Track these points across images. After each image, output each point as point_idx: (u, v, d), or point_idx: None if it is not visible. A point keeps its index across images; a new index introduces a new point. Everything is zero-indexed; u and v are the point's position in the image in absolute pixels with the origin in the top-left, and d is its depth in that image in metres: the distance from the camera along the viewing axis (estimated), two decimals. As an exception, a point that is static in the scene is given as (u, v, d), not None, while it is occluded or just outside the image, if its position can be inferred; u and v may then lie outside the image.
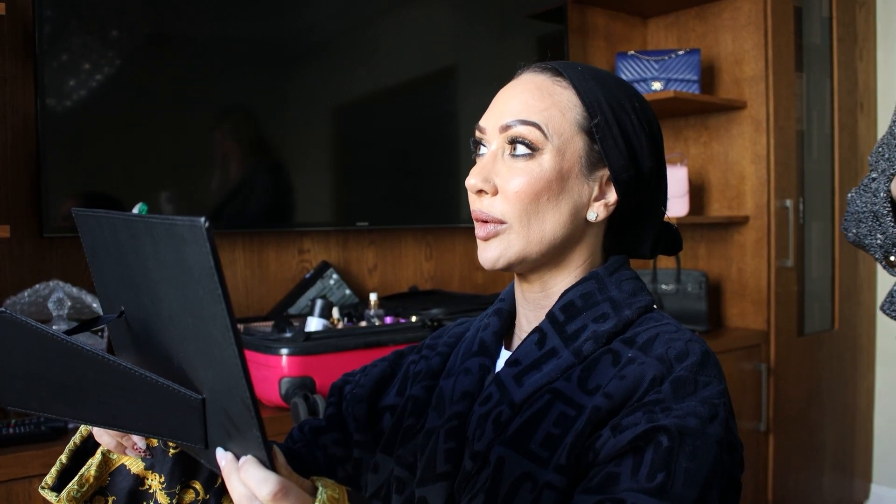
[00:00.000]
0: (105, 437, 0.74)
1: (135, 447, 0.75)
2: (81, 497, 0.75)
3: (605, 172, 0.83)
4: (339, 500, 0.55)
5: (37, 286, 1.57)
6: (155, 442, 0.75)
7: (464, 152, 2.38)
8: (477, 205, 0.81)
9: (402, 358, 1.00)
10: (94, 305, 1.58)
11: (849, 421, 3.10)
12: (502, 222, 0.80)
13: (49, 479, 0.76)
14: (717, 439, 0.71)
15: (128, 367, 0.58)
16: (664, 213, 0.91)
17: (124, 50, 1.79)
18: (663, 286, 2.72)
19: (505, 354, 0.89)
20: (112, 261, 0.65)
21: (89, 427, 0.79)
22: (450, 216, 2.39)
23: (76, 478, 0.75)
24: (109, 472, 0.77)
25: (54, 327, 1.53)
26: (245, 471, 0.54)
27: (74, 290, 1.57)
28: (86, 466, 0.76)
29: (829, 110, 3.03)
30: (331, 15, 2.13)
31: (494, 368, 0.87)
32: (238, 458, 0.56)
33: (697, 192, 2.90)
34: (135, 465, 0.76)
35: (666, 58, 2.67)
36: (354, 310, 1.98)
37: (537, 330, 0.82)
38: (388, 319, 1.88)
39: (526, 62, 0.88)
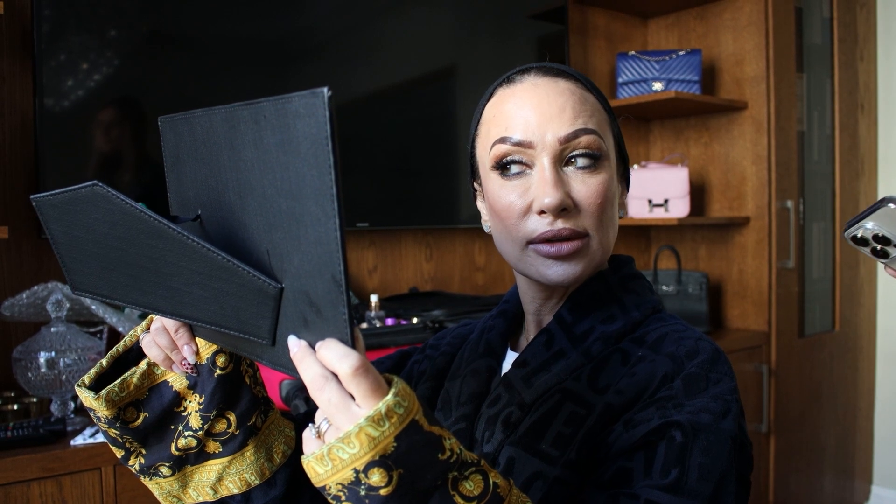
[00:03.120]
0: (153, 350, 0.73)
1: (182, 362, 0.73)
2: (119, 401, 0.73)
3: (621, 169, 0.85)
4: (411, 396, 0.54)
5: (35, 287, 1.56)
6: (203, 359, 0.73)
7: (463, 152, 2.37)
8: (559, 224, 0.76)
9: (406, 358, 0.99)
10: (94, 307, 1.57)
11: (849, 422, 3.10)
12: (585, 235, 0.77)
13: (87, 378, 0.74)
14: (731, 434, 0.71)
15: (210, 249, 0.58)
16: None
17: (123, 49, 1.78)
18: (664, 287, 2.71)
19: (511, 356, 0.88)
20: (198, 162, 0.65)
21: (134, 338, 0.77)
22: (450, 217, 2.38)
23: (118, 381, 0.73)
24: (149, 388, 0.75)
25: (53, 329, 1.52)
26: (326, 347, 0.53)
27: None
28: (129, 372, 0.74)
29: (829, 111, 3.03)
30: (330, 14, 2.12)
31: (500, 370, 0.87)
32: (312, 347, 0.55)
33: (698, 193, 2.89)
34: (178, 382, 0.75)
35: (667, 58, 2.66)
36: (355, 311, 1.97)
37: (545, 331, 0.82)
38: (390, 321, 1.87)
39: (516, 66, 0.85)
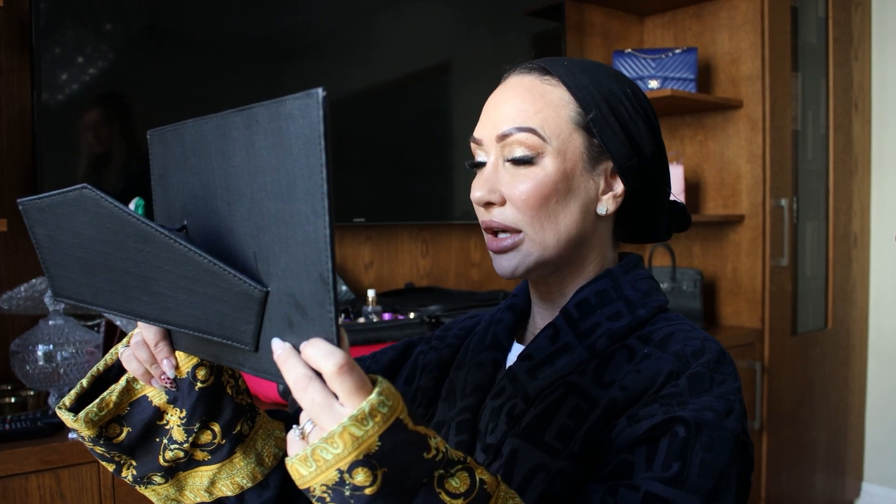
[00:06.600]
0: (133, 364, 0.73)
1: (162, 377, 0.72)
2: (99, 421, 0.73)
3: (609, 164, 0.82)
4: (396, 395, 0.54)
5: (33, 281, 1.55)
6: (184, 373, 0.73)
7: (459, 149, 2.37)
8: (487, 216, 0.81)
9: (412, 347, 1.00)
10: (91, 300, 1.57)
11: (841, 419, 3.12)
12: (517, 231, 0.79)
13: (67, 400, 0.74)
14: (734, 434, 0.71)
15: (196, 252, 0.58)
16: (669, 194, 0.90)
17: (118, 44, 1.78)
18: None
19: (517, 349, 0.88)
20: (186, 172, 0.65)
21: (115, 356, 0.77)
22: (445, 212, 2.38)
23: (97, 400, 0.73)
24: (130, 402, 0.75)
25: (51, 322, 1.52)
26: (311, 346, 0.53)
27: (71, 285, 1.55)
28: (108, 391, 0.74)
29: (824, 110, 3.04)
30: (326, 11, 2.12)
31: (506, 363, 0.87)
32: (296, 349, 0.55)
33: (693, 191, 2.90)
34: (157, 397, 0.74)
35: (663, 56, 2.67)
36: (352, 306, 1.97)
37: (551, 325, 0.82)
38: (387, 316, 1.87)
39: (512, 64, 0.86)
